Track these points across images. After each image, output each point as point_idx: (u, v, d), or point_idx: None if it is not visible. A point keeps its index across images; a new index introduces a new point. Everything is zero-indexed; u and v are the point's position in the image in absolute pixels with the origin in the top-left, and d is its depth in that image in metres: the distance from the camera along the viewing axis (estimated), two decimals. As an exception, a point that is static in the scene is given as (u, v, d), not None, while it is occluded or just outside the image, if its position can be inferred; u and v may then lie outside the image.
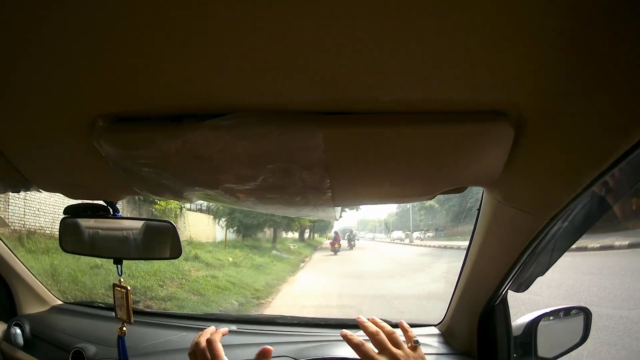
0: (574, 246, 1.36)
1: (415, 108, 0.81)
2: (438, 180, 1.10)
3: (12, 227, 12.04)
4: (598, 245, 15.04)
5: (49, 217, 13.18)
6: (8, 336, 2.50)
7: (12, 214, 12.09)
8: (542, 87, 0.76)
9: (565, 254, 1.42)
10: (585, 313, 1.83)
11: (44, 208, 13.09)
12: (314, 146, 0.86)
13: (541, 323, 1.77)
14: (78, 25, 0.65)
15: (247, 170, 0.98)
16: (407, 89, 0.76)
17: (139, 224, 1.80)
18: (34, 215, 12.86)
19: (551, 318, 1.82)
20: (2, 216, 11.42)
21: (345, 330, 1.32)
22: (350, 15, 0.61)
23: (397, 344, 1.27)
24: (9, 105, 0.92)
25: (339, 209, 1.28)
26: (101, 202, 1.66)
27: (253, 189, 1.05)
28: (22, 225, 12.40)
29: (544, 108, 0.81)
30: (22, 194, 11.99)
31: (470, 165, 1.00)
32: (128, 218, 1.78)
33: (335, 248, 30.26)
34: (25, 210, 12.59)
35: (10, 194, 11.91)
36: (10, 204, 12.03)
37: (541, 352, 1.77)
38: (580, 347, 1.83)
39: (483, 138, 0.88)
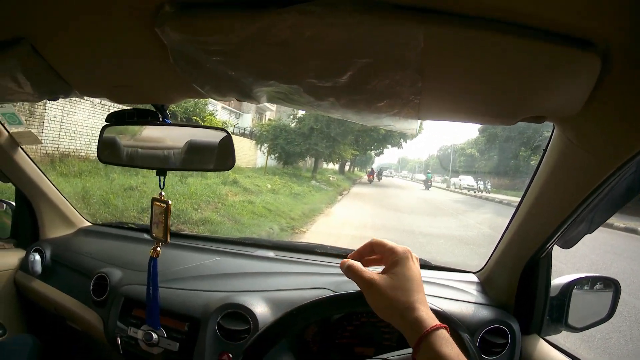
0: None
1: (516, 18, 0.76)
2: (522, 102, 1.03)
3: (45, 151, 12.23)
4: (623, 225, 15.23)
5: (85, 140, 13.41)
6: (25, 264, 2.50)
7: (46, 137, 12.30)
8: (633, 27, 0.73)
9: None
10: (616, 287, 1.80)
11: (80, 130, 13.30)
12: (412, 43, 0.80)
13: (574, 291, 1.76)
14: None
15: (334, 63, 0.90)
16: None
17: (189, 131, 1.75)
18: (70, 137, 13.09)
19: (583, 286, 1.81)
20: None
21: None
22: None
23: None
24: None
25: (418, 122, 1.22)
26: (149, 108, 1.58)
27: (336, 87, 0.98)
28: (55, 149, 12.61)
29: (632, 48, 0.78)
30: (58, 117, 12.15)
31: (554, 91, 0.95)
32: (179, 124, 1.76)
33: (370, 180, 40.78)
34: (61, 133, 12.74)
35: (46, 117, 12.06)
36: (45, 127, 12.19)
37: (571, 320, 1.76)
38: (595, 327, 1.82)
39: (570, 64, 0.84)
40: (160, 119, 1.56)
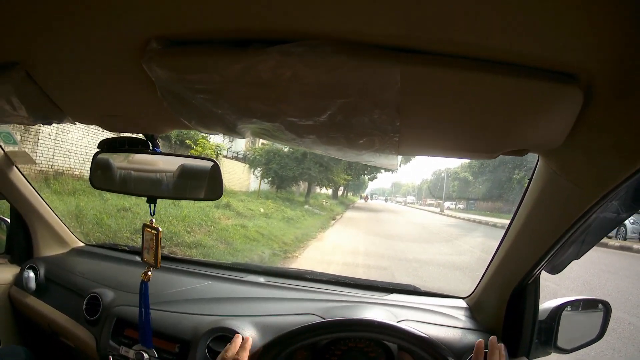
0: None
1: (492, 56, 0.78)
2: (503, 137, 1.07)
3: (40, 168, 12.18)
4: (618, 244, 15.23)
5: (80, 158, 13.30)
6: (20, 280, 2.53)
7: (41, 154, 12.20)
8: (617, 58, 0.74)
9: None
10: (606, 308, 1.82)
11: (75, 149, 13.20)
12: (390, 83, 0.81)
13: (564, 313, 1.76)
14: None
15: (315, 102, 0.92)
16: (488, 35, 0.73)
17: (178, 160, 1.75)
18: (64, 156, 12.99)
19: (573, 308, 1.81)
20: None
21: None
22: None
23: None
24: (46, 18, 0.85)
25: (400, 158, 1.25)
26: (140, 137, 1.61)
27: (316, 125, 1.00)
28: (49, 166, 12.54)
29: (615, 80, 0.79)
30: (53, 134, 12.12)
31: (536, 125, 0.97)
32: (168, 154, 1.75)
33: (365, 200, 64.75)
34: (55, 151, 12.69)
35: (41, 134, 12.03)
36: (39, 144, 12.13)
37: (560, 342, 1.77)
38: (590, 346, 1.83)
39: (552, 99, 0.85)
40: (151, 148, 1.60)
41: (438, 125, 1.04)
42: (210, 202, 14.38)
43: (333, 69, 0.79)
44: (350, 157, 1.18)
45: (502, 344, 1.51)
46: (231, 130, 1.16)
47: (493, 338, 1.53)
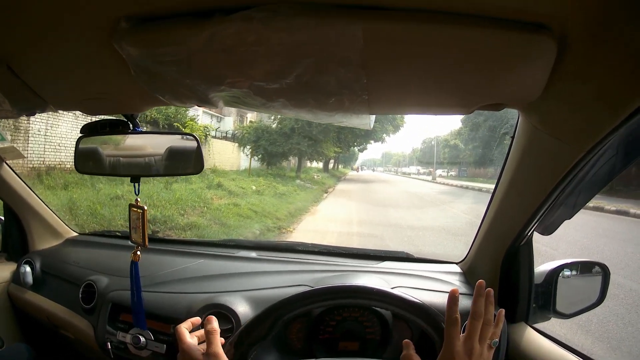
0: (590, 204, 1.32)
1: (459, 8, 0.77)
2: (476, 91, 1.05)
3: (32, 165, 12.13)
4: (614, 208, 15.09)
5: (70, 151, 13.19)
6: (17, 276, 2.52)
7: (32, 151, 12.18)
8: (590, 5, 0.73)
9: (582, 211, 1.40)
10: (605, 272, 1.78)
11: (65, 142, 13.16)
12: (352, 41, 0.82)
13: (561, 277, 1.74)
14: None
15: (280, 65, 0.93)
16: None
17: (159, 138, 1.78)
18: (55, 150, 12.97)
19: (571, 272, 1.79)
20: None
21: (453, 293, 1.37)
22: None
23: (482, 339, 1.30)
24: (18, 11, 0.86)
25: (373, 117, 1.23)
26: (120, 118, 1.62)
27: (284, 88, 1.00)
28: (41, 162, 12.50)
29: (589, 27, 0.79)
30: (42, 130, 12.03)
31: (510, 78, 0.96)
32: (148, 132, 1.76)
33: (357, 171, 78.57)
34: (46, 146, 12.64)
35: (31, 131, 11.94)
36: (30, 141, 12.08)
37: (559, 306, 1.74)
38: (592, 312, 1.81)
39: (524, 50, 0.84)
40: (131, 128, 1.62)
41: (408, 81, 1.04)
42: (201, 184, 14.39)
43: (295, 30, 0.80)
44: (322, 118, 1.19)
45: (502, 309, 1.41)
46: (204, 101, 1.17)
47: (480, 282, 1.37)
